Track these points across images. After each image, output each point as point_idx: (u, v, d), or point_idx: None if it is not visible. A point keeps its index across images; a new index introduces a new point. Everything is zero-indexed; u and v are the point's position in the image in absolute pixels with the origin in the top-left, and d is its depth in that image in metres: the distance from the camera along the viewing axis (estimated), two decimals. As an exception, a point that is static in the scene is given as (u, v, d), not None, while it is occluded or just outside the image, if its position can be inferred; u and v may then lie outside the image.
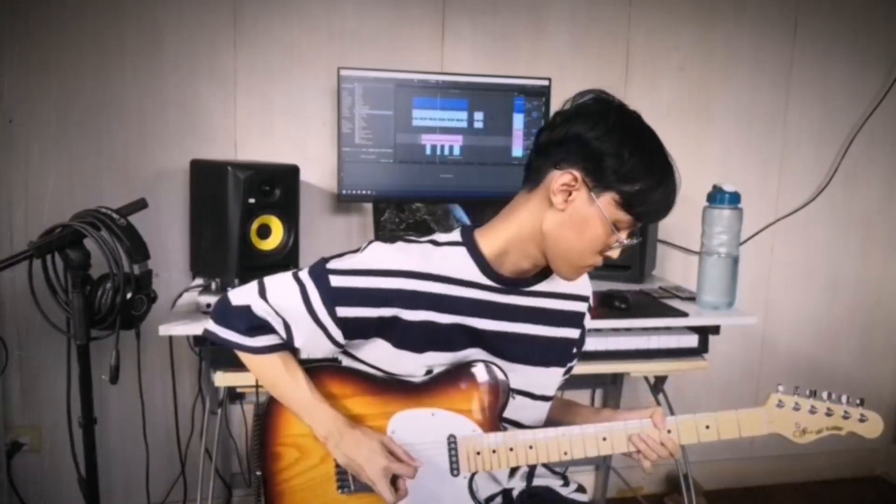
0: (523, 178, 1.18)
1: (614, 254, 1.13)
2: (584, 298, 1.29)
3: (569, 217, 1.10)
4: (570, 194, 1.09)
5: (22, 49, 2.00)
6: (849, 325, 2.74)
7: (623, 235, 1.11)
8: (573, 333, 1.27)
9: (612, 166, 1.07)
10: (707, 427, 1.17)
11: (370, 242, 1.19)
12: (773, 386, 1.17)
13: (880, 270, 2.73)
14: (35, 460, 2.17)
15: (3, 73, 2.00)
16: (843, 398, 1.15)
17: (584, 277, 1.30)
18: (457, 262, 1.16)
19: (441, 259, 1.16)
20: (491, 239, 1.17)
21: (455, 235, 1.20)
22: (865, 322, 2.75)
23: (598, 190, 1.08)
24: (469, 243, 1.18)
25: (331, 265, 1.15)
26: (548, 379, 1.26)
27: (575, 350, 1.31)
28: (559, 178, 1.09)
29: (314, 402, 1.17)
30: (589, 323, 1.33)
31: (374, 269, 1.13)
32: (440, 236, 1.20)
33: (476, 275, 1.17)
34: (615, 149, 1.07)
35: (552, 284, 1.23)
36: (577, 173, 1.08)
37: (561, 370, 1.28)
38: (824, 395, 1.15)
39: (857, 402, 1.14)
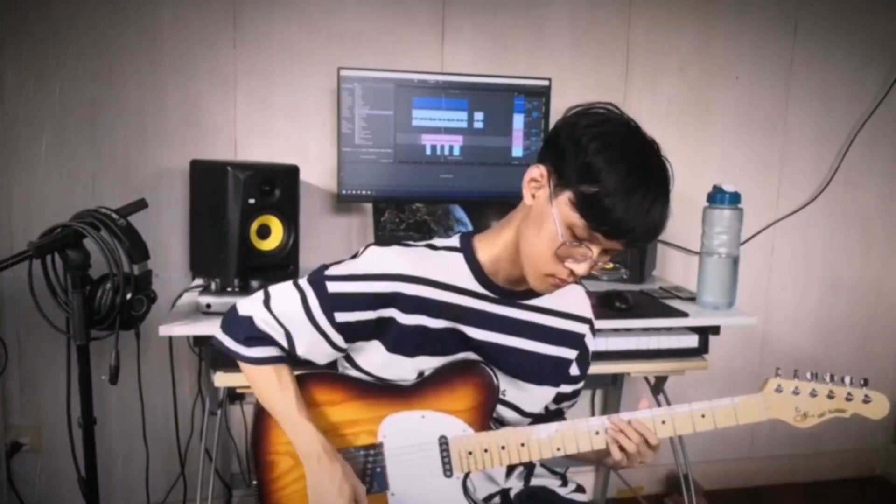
0: None
1: (579, 269, 1.03)
2: (584, 320, 1.25)
3: (531, 213, 1.07)
4: (538, 189, 1.06)
5: (22, 49, 2.00)
6: (849, 324, 2.74)
7: (592, 250, 1.01)
8: (569, 353, 1.24)
9: (573, 161, 1.00)
10: (703, 416, 1.13)
11: (367, 246, 1.18)
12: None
13: (880, 270, 2.73)
14: (35, 460, 2.16)
15: (3, 73, 2.00)
16: (847, 379, 1.10)
17: (584, 299, 1.27)
18: (452, 268, 1.15)
19: (436, 264, 1.15)
20: (488, 246, 1.16)
21: (454, 241, 1.18)
22: (865, 322, 2.75)
23: (559, 188, 1.02)
24: (466, 250, 1.16)
25: (329, 272, 1.15)
26: (538, 397, 1.24)
27: (577, 373, 1.28)
28: (529, 173, 1.07)
29: (298, 419, 1.15)
30: (593, 347, 1.29)
31: (370, 274, 1.13)
32: (438, 241, 1.19)
33: (470, 282, 1.15)
34: (583, 144, 0.99)
35: (551, 300, 1.20)
36: (544, 168, 1.05)
37: (553, 389, 1.25)
38: (826, 377, 1.11)
39: (861, 382, 1.10)
